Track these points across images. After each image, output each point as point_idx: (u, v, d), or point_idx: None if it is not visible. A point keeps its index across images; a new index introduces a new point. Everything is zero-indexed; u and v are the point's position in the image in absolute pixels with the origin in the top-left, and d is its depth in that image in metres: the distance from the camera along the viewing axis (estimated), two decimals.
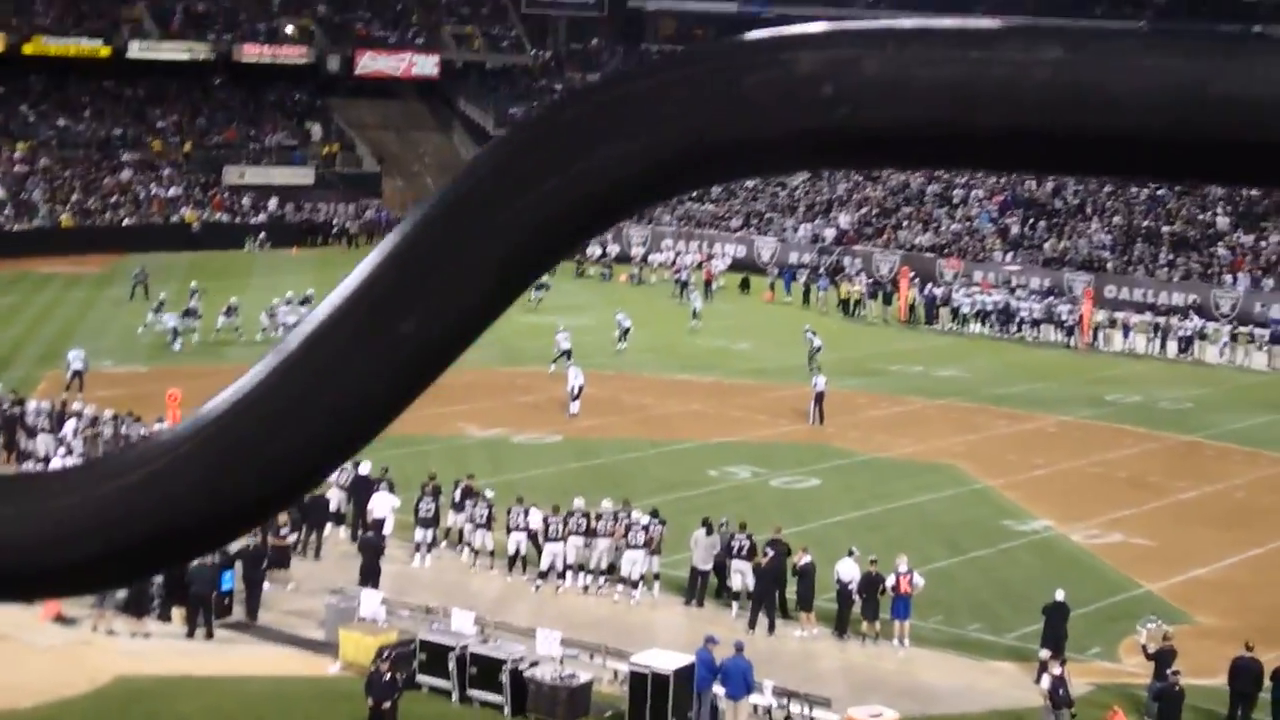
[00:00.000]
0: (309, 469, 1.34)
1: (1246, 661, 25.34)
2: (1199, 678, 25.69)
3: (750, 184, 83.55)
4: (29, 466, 35.54)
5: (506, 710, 25.30)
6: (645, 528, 30.10)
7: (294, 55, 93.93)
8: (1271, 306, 64.84)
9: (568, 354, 48.24)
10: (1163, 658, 25.30)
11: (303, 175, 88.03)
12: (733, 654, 25.14)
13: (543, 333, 51.13)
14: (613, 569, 30.56)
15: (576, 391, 44.10)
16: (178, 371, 45.67)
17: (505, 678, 25.34)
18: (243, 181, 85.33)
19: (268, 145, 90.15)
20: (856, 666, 27.62)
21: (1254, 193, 70.73)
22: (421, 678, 25.98)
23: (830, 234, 78.39)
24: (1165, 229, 73.72)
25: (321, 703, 25.43)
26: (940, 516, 35.77)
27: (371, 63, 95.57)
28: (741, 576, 29.58)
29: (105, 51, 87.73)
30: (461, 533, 32.18)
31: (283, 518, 30.86)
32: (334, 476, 33.44)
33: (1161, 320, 61.74)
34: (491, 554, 31.50)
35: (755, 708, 25.18)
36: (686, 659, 25.22)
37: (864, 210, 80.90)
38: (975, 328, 63.67)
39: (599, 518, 30.64)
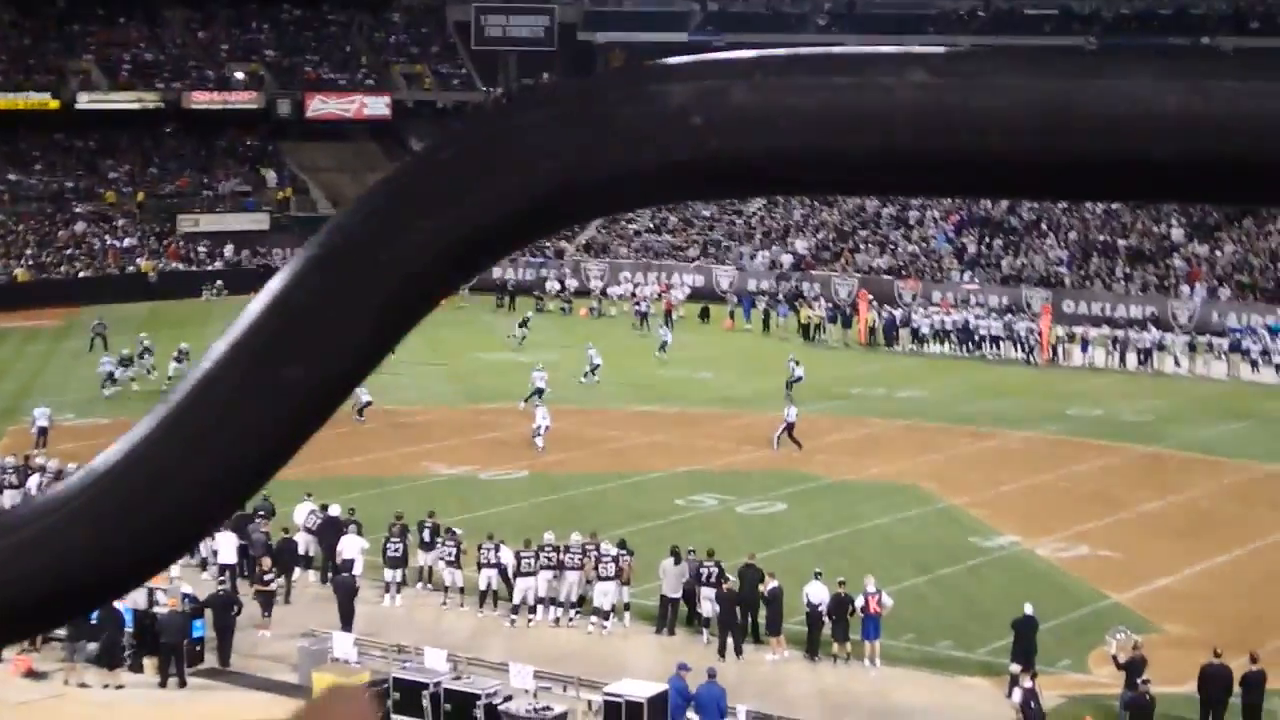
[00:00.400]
0: (203, 519, 1.33)
1: (1216, 668, 25.47)
2: (1169, 686, 25.84)
3: (706, 212, 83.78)
4: None
5: None
6: (614, 559, 30.19)
7: (244, 100, 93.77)
8: (1229, 315, 65.38)
9: (539, 393, 48.09)
10: (1133, 667, 25.42)
11: (258, 221, 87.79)
12: (706, 681, 25.22)
13: (504, 370, 51.04)
14: (583, 601, 30.65)
15: (543, 430, 44.08)
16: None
17: (480, 713, 25.37)
18: (197, 229, 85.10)
19: (221, 192, 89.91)
20: (829, 689, 27.71)
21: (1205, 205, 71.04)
22: (396, 717, 25.96)
23: (788, 260, 78.66)
24: (1121, 242, 74.19)
25: None
26: (907, 536, 35.88)
27: (322, 105, 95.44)
28: (711, 603, 29.68)
29: (54, 104, 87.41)
30: (432, 570, 32.19)
31: (266, 563, 30.88)
32: (301, 520, 33.56)
33: (1120, 333, 61.94)
34: (461, 590, 31.52)
35: None
36: (660, 687, 25.31)
37: (821, 235, 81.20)
38: (935, 348, 63.87)
39: (568, 550, 30.71)
